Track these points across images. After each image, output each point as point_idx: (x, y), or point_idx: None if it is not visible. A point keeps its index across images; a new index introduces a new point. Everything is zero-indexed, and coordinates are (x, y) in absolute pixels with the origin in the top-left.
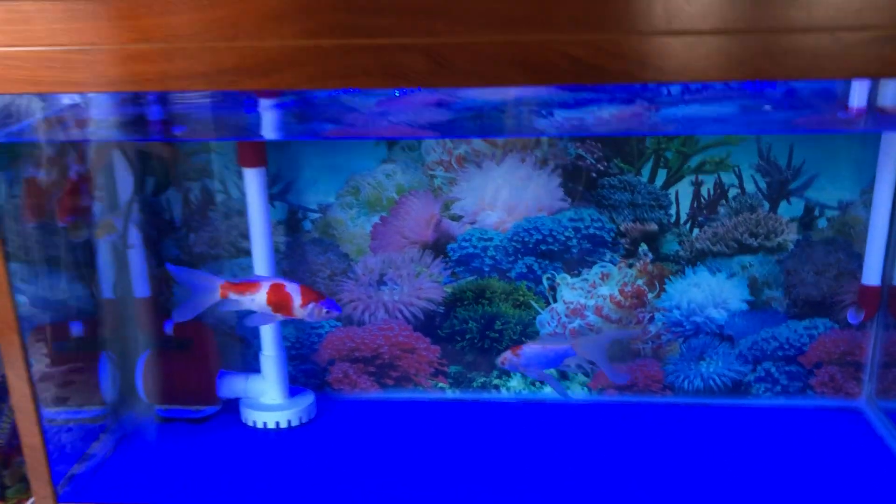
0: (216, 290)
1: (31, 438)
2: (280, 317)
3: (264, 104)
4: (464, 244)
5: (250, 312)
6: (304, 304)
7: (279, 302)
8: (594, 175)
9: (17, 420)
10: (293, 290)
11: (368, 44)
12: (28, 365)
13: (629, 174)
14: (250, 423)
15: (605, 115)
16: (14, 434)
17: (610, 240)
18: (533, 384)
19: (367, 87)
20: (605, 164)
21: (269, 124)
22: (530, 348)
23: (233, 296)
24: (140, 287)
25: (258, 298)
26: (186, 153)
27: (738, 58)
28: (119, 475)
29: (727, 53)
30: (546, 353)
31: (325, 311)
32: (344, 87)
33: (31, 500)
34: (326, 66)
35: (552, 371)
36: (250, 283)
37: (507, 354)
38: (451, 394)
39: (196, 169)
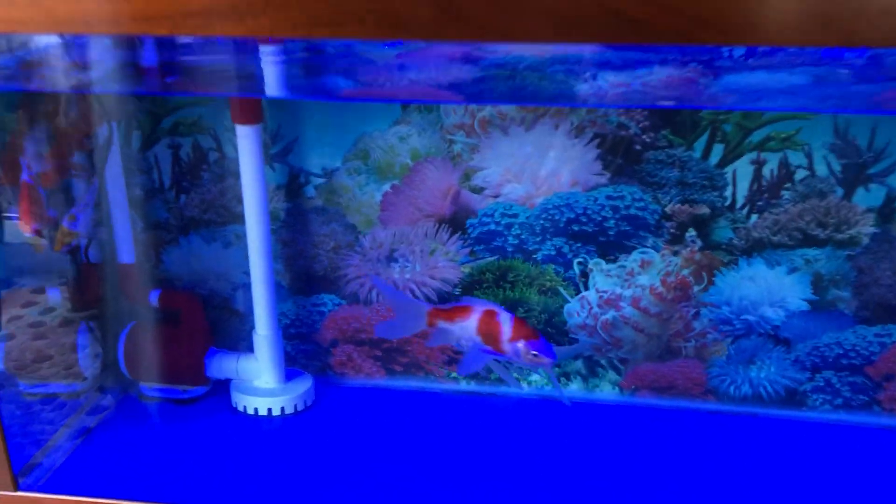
0: (423, 318)
1: None
2: (489, 358)
3: (266, 53)
4: (485, 220)
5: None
6: (513, 340)
7: (489, 332)
8: (638, 147)
9: None
10: (505, 321)
11: None
12: None
13: (679, 148)
14: (241, 408)
15: (656, 81)
16: None
17: (653, 223)
18: (559, 378)
19: (359, 38)
20: (652, 135)
21: (271, 77)
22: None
23: (442, 324)
24: (124, 252)
25: (468, 326)
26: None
27: (823, 17)
28: (93, 461)
29: (809, 12)
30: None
31: (532, 353)
32: (332, 36)
33: None
34: (311, 11)
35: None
36: (460, 308)
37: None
38: (466, 385)
39: (187, 123)
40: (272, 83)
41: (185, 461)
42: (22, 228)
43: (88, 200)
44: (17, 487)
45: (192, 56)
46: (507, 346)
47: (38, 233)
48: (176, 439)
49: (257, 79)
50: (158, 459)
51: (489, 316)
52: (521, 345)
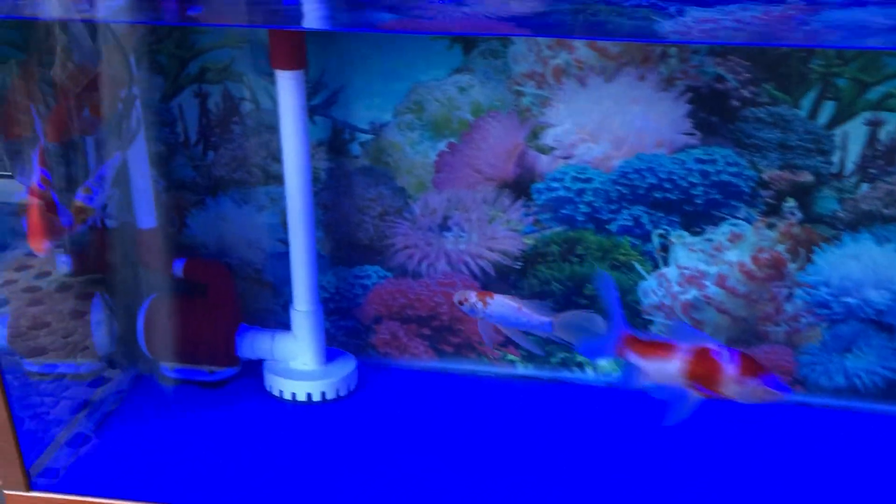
0: (612, 343)
1: None
2: (696, 399)
3: None
4: (553, 185)
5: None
6: (743, 377)
7: (702, 374)
8: (736, 103)
9: None
10: (726, 358)
11: None
12: None
13: (783, 105)
14: (276, 393)
15: (748, 18)
16: None
17: (747, 190)
18: None
19: None
20: (753, 89)
21: (310, 11)
22: (503, 302)
23: (634, 358)
24: (144, 216)
25: (670, 368)
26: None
27: None
28: (110, 455)
29: None
30: (519, 315)
31: (766, 390)
32: None
33: None
34: None
35: None
36: (664, 343)
37: (472, 297)
38: (523, 369)
39: (216, 68)
40: (310, 15)
41: (212, 453)
42: (33, 247)
43: (105, 173)
44: (31, 487)
45: None
46: (732, 388)
47: (50, 250)
48: (201, 428)
49: (303, 14)
50: (180, 451)
51: (701, 356)
52: (752, 382)
